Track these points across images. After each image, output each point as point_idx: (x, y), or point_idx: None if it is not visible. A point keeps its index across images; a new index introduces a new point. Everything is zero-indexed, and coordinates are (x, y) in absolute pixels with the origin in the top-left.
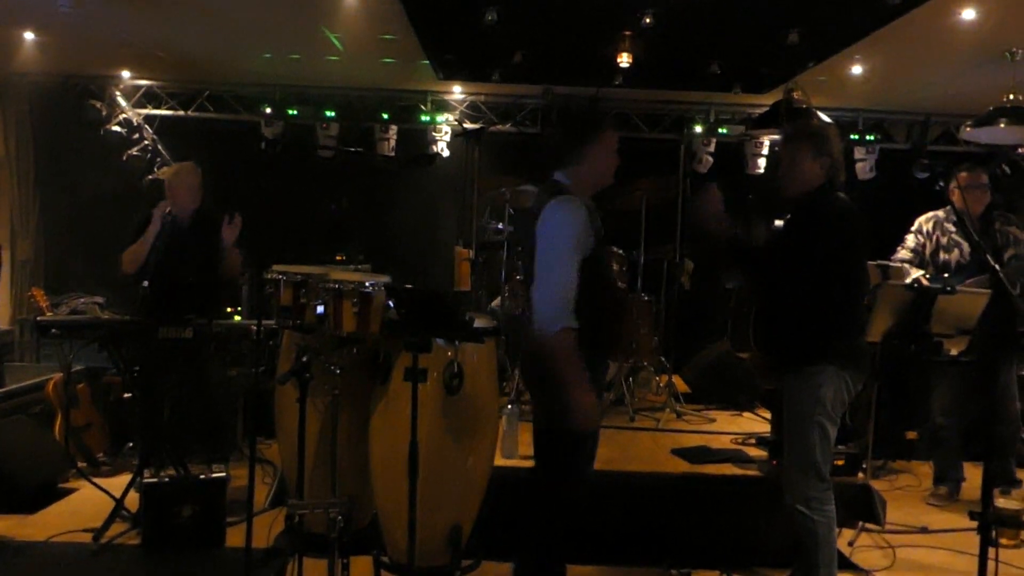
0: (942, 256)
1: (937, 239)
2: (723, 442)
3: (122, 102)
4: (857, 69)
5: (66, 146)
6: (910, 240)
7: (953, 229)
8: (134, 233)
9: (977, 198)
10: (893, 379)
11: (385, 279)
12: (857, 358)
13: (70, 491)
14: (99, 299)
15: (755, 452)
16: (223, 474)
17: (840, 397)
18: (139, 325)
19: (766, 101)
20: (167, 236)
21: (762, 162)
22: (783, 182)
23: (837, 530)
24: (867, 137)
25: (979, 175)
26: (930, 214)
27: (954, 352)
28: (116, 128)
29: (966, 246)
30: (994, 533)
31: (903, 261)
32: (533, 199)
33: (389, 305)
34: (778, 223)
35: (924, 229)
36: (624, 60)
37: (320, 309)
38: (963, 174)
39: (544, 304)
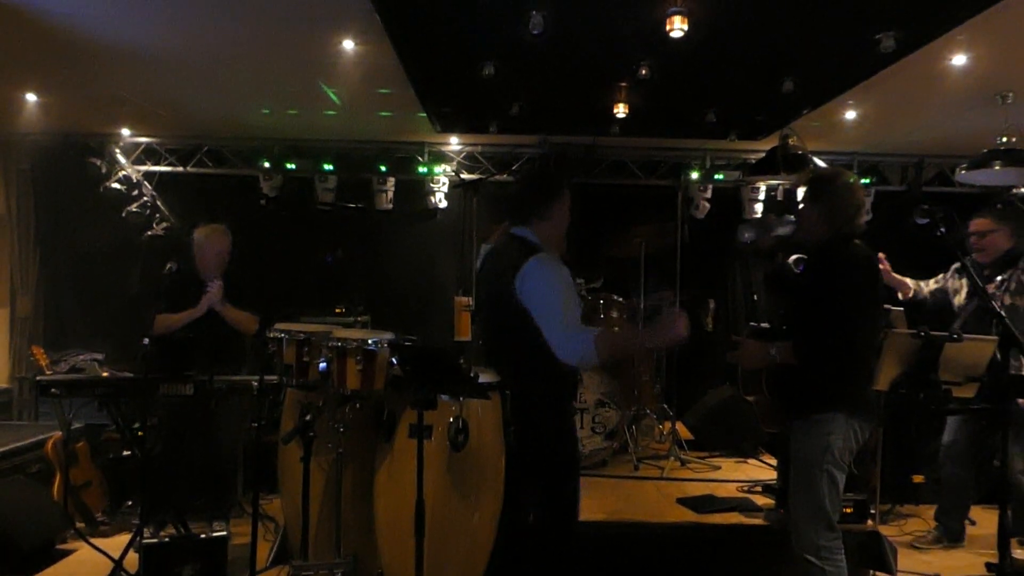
0: (952, 299)
1: (953, 278)
2: (729, 490)
3: (121, 159)
4: (851, 114)
5: (66, 203)
6: (940, 275)
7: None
8: (164, 293)
9: (975, 244)
10: (898, 422)
11: (388, 335)
12: (866, 406)
13: (68, 552)
14: (99, 355)
15: (762, 500)
16: (223, 532)
17: (848, 445)
18: (140, 382)
19: (762, 147)
20: (190, 294)
21: (759, 207)
22: (798, 230)
23: None
24: (863, 180)
25: (975, 222)
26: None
27: (960, 394)
28: (116, 185)
29: (963, 294)
30: None
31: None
32: (495, 255)
33: (393, 362)
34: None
35: (951, 268)
36: (620, 111)
37: (323, 367)
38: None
39: (569, 348)
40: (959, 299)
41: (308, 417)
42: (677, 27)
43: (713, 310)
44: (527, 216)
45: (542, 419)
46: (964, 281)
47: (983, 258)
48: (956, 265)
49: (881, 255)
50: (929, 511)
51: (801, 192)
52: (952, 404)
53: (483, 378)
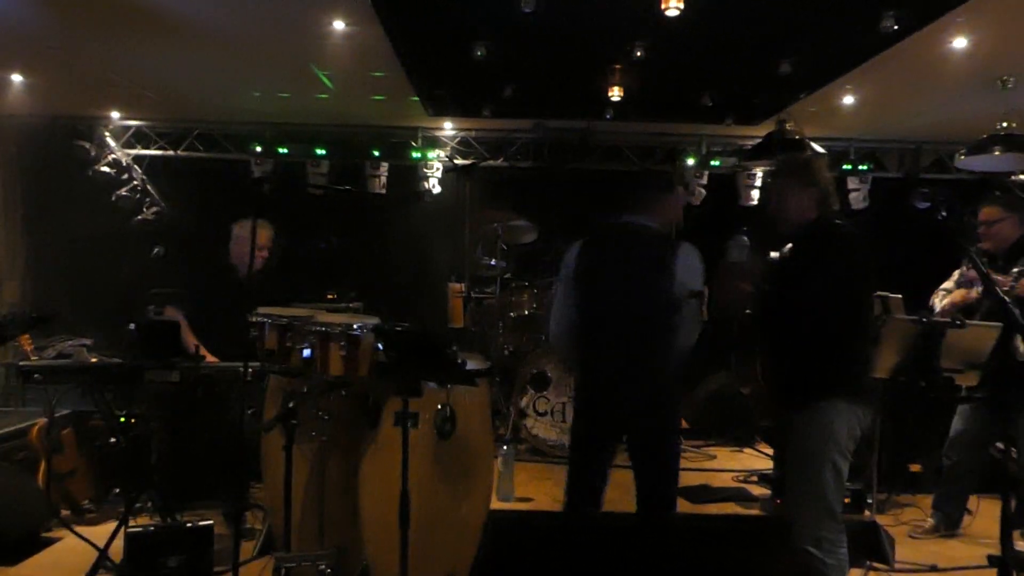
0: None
1: (968, 274)
2: (724, 480)
3: (111, 143)
4: (849, 99)
5: (54, 187)
6: (954, 273)
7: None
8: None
9: (983, 234)
10: (895, 410)
11: (373, 320)
12: (867, 391)
13: (53, 540)
14: (87, 341)
15: (758, 490)
16: (209, 522)
17: (852, 433)
18: (124, 369)
19: (758, 132)
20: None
21: (755, 193)
22: (776, 217)
23: None
24: (860, 167)
25: (983, 211)
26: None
27: (966, 385)
28: (105, 169)
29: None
30: None
31: (945, 290)
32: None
33: (378, 347)
34: (774, 254)
35: (964, 263)
36: (615, 94)
37: (307, 352)
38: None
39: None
40: (975, 292)
41: (291, 404)
42: (673, 6)
43: (706, 298)
44: (644, 207)
45: (670, 393)
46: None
47: (991, 246)
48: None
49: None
50: (926, 500)
51: (777, 182)
52: (954, 393)
53: (470, 365)
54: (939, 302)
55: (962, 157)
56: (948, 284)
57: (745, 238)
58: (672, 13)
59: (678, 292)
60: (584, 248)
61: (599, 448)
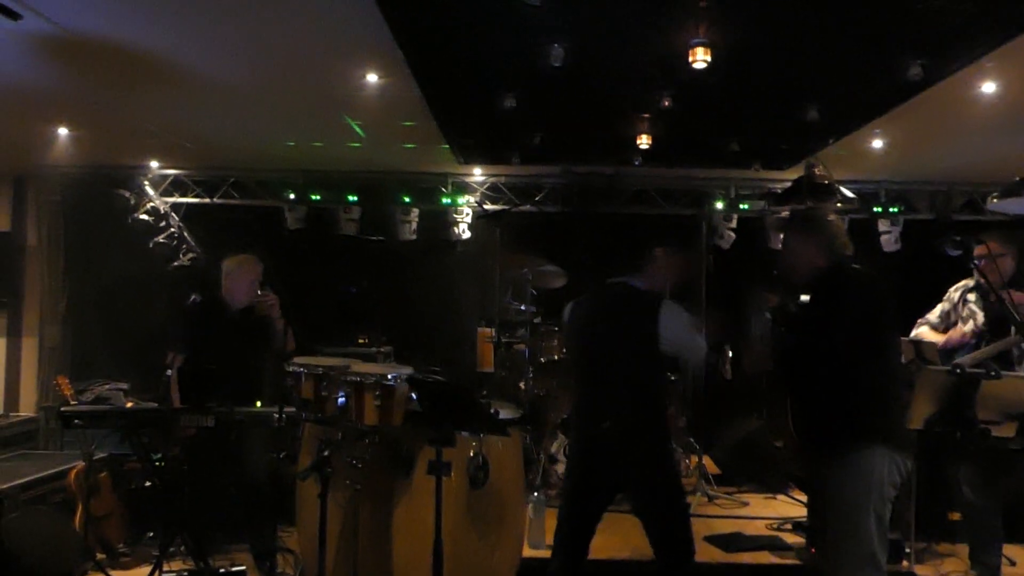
0: (959, 326)
1: (958, 308)
2: (758, 527)
3: (150, 191)
4: (878, 143)
5: (94, 234)
6: (939, 307)
7: (972, 299)
8: (179, 336)
9: (988, 268)
10: (933, 457)
11: (408, 370)
12: (904, 436)
13: None
14: (124, 385)
15: (792, 538)
16: (242, 567)
17: (892, 479)
18: (161, 414)
19: (787, 176)
20: (215, 324)
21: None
22: (789, 271)
23: None
24: (890, 209)
25: (992, 245)
26: (962, 283)
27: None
28: (143, 216)
29: (980, 317)
30: None
31: (928, 324)
32: (614, 299)
33: (412, 397)
34: (804, 298)
35: (952, 297)
36: (643, 142)
37: (342, 401)
38: (980, 245)
39: (700, 344)
40: (973, 325)
41: (326, 453)
42: (700, 59)
43: (731, 358)
44: (632, 270)
45: (660, 434)
46: (975, 306)
47: (990, 280)
48: (957, 292)
49: None
50: (966, 550)
51: (785, 234)
52: (990, 443)
53: (503, 414)
54: (925, 333)
55: (994, 200)
56: (932, 317)
57: (768, 315)
58: (699, 66)
59: (664, 347)
60: (573, 308)
61: (589, 501)
